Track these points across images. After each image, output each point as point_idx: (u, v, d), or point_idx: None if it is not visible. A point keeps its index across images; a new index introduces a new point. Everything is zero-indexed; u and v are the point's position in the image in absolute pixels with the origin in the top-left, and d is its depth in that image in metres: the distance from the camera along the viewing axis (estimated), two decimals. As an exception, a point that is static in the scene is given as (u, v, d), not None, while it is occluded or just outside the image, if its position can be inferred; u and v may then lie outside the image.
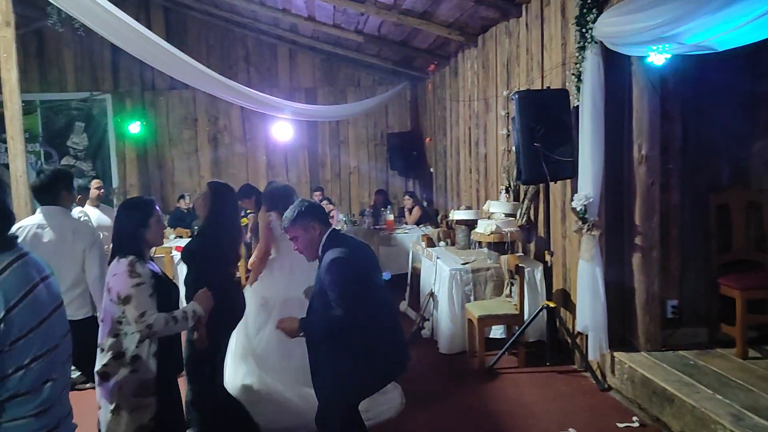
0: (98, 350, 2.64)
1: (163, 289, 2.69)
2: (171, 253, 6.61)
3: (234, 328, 3.69)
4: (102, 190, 6.55)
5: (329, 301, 2.79)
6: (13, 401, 1.67)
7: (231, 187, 3.85)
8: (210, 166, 10.70)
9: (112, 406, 2.57)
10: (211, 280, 3.11)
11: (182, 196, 9.32)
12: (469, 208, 6.57)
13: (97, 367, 2.61)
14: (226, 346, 3.69)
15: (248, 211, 8.85)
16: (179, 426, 2.93)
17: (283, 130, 10.22)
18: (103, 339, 2.64)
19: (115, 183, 10.37)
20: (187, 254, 3.63)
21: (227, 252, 3.56)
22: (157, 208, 2.86)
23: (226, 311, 3.32)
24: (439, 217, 8.91)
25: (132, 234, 2.69)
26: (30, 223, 4.13)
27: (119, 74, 10.31)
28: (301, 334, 2.85)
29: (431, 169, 10.00)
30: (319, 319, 2.88)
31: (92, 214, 5.94)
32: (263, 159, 10.79)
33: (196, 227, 7.77)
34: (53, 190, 4.14)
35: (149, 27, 9.96)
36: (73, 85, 10.36)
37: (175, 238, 8.10)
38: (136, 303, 2.54)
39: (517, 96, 4.55)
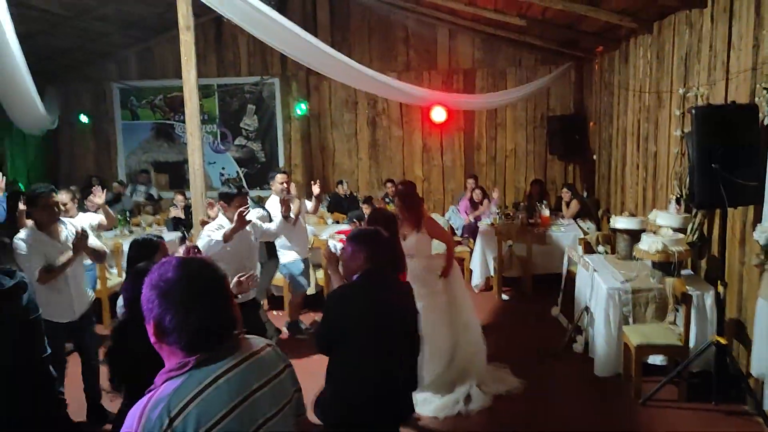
0: None
1: None
2: (328, 243, 6.86)
3: None
4: (285, 183, 6.52)
5: None
6: None
7: None
8: (368, 148, 10.94)
9: None
10: None
11: (340, 182, 9.66)
12: (633, 215, 6.10)
13: None
14: None
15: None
16: None
17: (439, 112, 10.14)
18: None
19: (281, 163, 11.00)
20: None
21: None
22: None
23: None
24: (600, 212, 8.42)
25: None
26: None
27: (287, 59, 10.76)
28: None
29: (594, 156, 9.42)
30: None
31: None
32: (419, 142, 10.82)
33: (354, 219, 7.94)
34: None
35: (314, 11, 10.37)
36: (246, 70, 11.04)
37: (333, 222, 8.44)
38: None
39: (694, 111, 4.08)
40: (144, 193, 10.70)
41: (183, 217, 8.17)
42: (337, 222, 8.55)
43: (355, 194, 9.93)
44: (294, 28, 5.79)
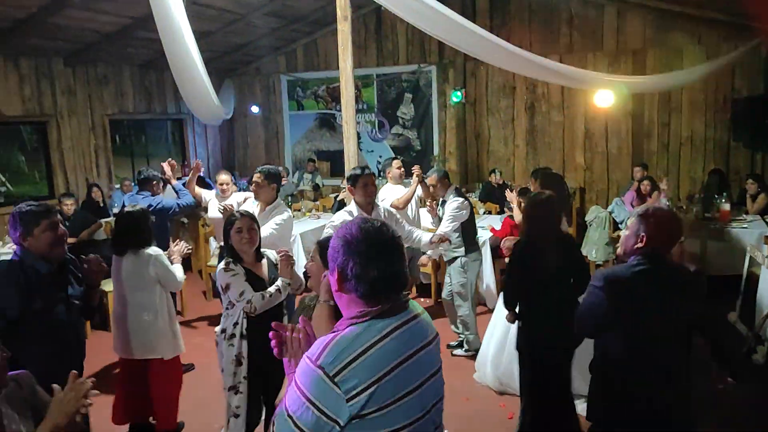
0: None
1: (251, 281, 3.49)
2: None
3: None
4: (402, 169, 6.85)
5: None
6: None
7: None
8: (525, 134, 10.57)
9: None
10: None
11: (493, 171, 9.42)
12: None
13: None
14: None
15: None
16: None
17: (604, 96, 9.50)
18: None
19: (435, 151, 10.99)
20: None
21: None
22: (240, 226, 3.54)
23: None
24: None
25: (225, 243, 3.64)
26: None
27: (444, 46, 10.69)
28: None
29: (787, 144, 8.29)
30: None
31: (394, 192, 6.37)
32: (581, 127, 10.23)
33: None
34: None
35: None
36: (404, 58, 11.14)
37: (484, 213, 8.26)
38: (234, 288, 3.42)
39: None
40: (311, 182, 11.26)
41: (349, 200, 8.46)
42: (489, 212, 8.35)
43: (508, 183, 9.63)
44: (451, 14, 5.69)
